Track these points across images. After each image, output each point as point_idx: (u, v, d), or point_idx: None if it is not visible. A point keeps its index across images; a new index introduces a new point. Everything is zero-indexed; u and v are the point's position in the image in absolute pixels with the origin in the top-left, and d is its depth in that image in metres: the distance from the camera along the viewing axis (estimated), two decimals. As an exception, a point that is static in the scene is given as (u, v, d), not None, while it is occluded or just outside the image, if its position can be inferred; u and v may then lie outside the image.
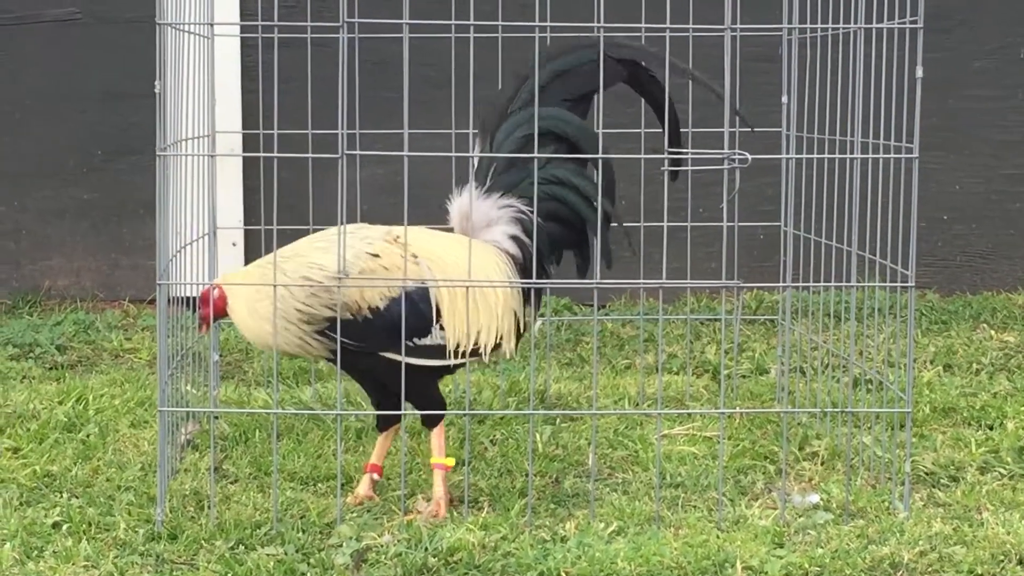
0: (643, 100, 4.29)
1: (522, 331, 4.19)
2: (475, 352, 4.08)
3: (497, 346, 4.13)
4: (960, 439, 4.71)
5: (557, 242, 4.25)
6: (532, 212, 4.17)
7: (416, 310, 4.00)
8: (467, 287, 4.01)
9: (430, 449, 4.15)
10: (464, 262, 4.02)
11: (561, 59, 4.19)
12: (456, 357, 4.06)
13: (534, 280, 4.14)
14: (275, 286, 3.91)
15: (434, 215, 4.60)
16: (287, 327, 3.95)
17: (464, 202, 4.21)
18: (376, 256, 4.00)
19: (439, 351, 4.04)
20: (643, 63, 4.17)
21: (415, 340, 4.01)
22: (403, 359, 3.97)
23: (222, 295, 4.03)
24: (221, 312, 4.05)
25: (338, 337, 3.93)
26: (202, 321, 4.09)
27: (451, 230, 4.25)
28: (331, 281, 3.93)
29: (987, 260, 6.75)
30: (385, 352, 3.98)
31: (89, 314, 6.28)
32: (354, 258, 3.97)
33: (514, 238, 4.19)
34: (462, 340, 4.05)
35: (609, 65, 4.04)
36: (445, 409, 4.13)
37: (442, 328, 4.03)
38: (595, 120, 4.29)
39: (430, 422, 4.14)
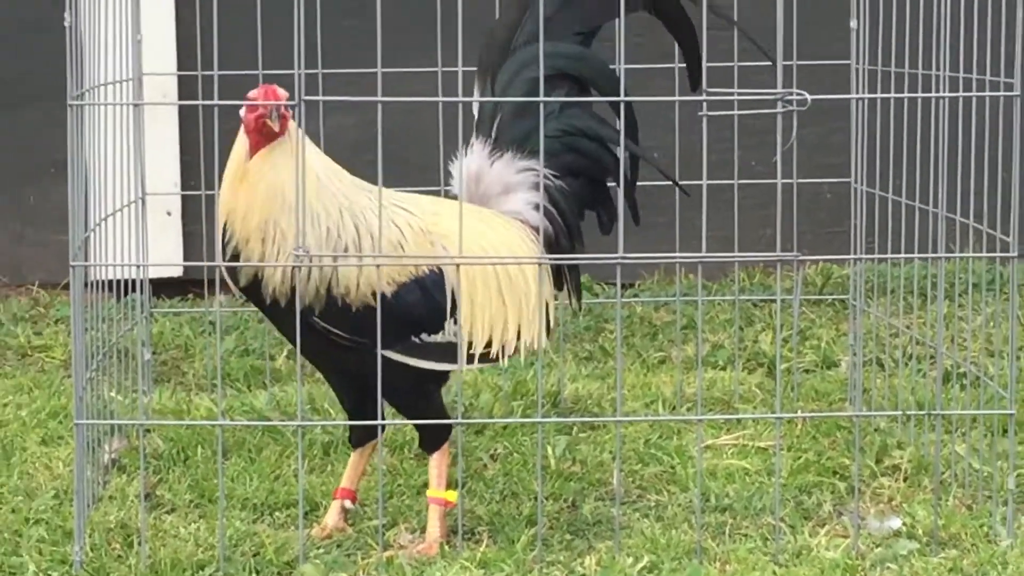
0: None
1: (551, 325, 4.23)
2: (497, 355, 4.11)
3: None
4: (1079, 447, 4.72)
5: (582, 202, 4.29)
6: (558, 177, 4.20)
7: (429, 300, 4.01)
8: (491, 269, 4.04)
9: (427, 478, 4.16)
10: (485, 241, 4.06)
11: None
12: (472, 360, 4.07)
13: (545, 256, 4.15)
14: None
15: (416, 176, 4.60)
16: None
17: (473, 163, 4.22)
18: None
19: (451, 351, 4.04)
20: None
21: (422, 336, 4.02)
22: (408, 360, 4.01)
23: (285, 121, 3.91)
24: (268, 133, 3.90)
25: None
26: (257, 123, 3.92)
27: (453, 197, 4.27)
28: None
29: (1111, 221, 6.73)
30: (385, 351, 3.94)
31: (-11, 303, 6.32)
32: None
33: (539, 208, 4.20)
34: (482, 337, 4.06)
35: None
36: (450, 427, 4.12)
37: (456, 323, 4.03)
38: (617, 52, 4.28)
39: (432, 443, 4.12)
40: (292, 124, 3.90)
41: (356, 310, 3.94)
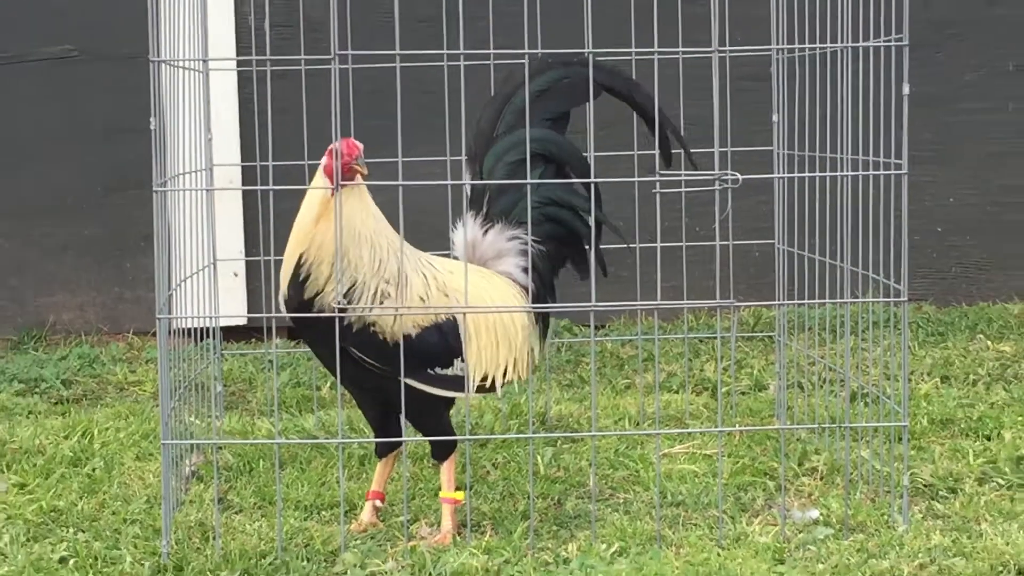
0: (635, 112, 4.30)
1: (536, 363, 4.23)
2: (492, 386, 4.11)
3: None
4: (958, 450, 4.70)
5: (558, 261, 4.28)
6: (539, 242, 4.20)
7: (444, 341, 4.01)
8: (489, 318, 4.03)
9: (440, 482, 4.14)
10: (486, 296, 4.07)
11: (539, 78, 4.21)
12: (473, 390, 4.06)
13: (534, 305, 4.15)
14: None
15: (430, 241, 4.60)
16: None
17: (470, 233, 4.23)
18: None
19: (457, 382, 4.04)
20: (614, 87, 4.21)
21: (436, 370, 4.01)
22: (423, 387, 3.99)
23: (350, 173, 3.88)
24: (351, 175, 3.88)
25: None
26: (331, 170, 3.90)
27: (455, 258, 4.27)
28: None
29: (982, 271, 6.75)
30: (406, 379, 3.94)
31: (94, 348, 6.29)
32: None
33: (526, 270, 4.20)
34: (483, 373, 4.06)
35: (584, 82, 4.05)
36: (456, 439, 4.11)
37: (463, 360, 4.03)
38: (588, 142, 4.30)
39: (441, 454, 4.10)
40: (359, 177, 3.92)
41: (387, 345, 3.94)
